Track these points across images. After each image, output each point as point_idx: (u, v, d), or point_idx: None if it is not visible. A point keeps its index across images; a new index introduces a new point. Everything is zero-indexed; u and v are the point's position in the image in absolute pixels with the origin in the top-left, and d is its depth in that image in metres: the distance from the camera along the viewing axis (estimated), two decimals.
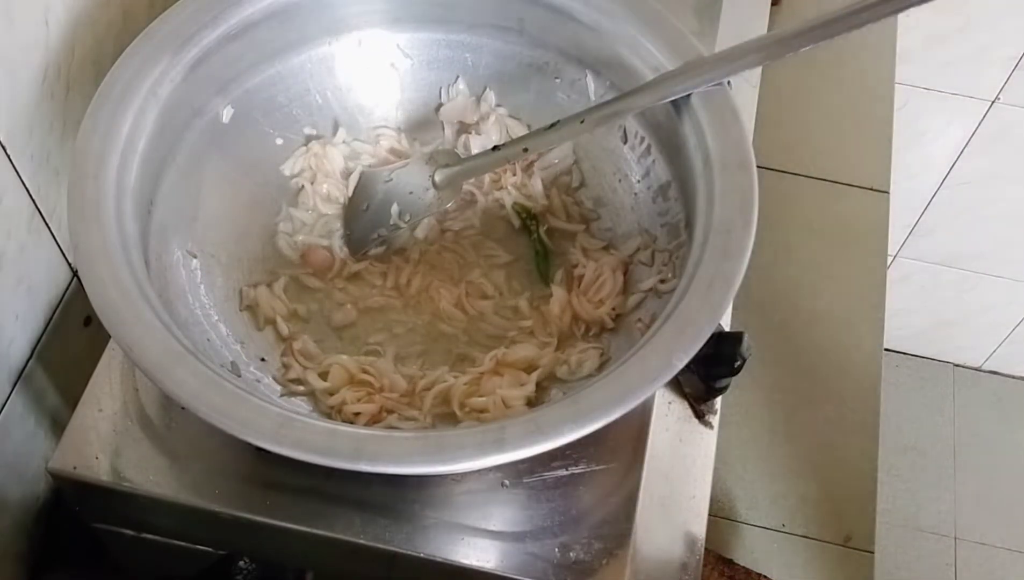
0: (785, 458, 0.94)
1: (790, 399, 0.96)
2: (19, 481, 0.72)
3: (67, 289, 0.74)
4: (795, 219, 1.04)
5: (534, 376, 0.65)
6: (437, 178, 0.72)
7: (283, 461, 0.52)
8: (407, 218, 0.73)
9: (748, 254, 0.59)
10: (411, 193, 0.73)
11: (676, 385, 0.70)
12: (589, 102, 0.73)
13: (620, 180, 0.73)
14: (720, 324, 0.60)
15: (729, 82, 0.65)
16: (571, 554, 0.60)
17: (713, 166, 0.63)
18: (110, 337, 0.59)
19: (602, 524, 0.62)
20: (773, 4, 0.97)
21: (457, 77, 0.76)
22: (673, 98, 0.65)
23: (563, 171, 0.76)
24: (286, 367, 0.67)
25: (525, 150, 0.69)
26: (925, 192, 1.60)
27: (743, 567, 0.88)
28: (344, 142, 0.76)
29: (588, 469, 0.63)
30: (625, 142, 0.73)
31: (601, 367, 0.66)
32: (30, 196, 0.67)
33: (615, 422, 0.53)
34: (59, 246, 0.72)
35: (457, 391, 0.65)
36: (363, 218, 0.73)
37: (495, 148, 0.71)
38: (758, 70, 0.89)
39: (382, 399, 0.65)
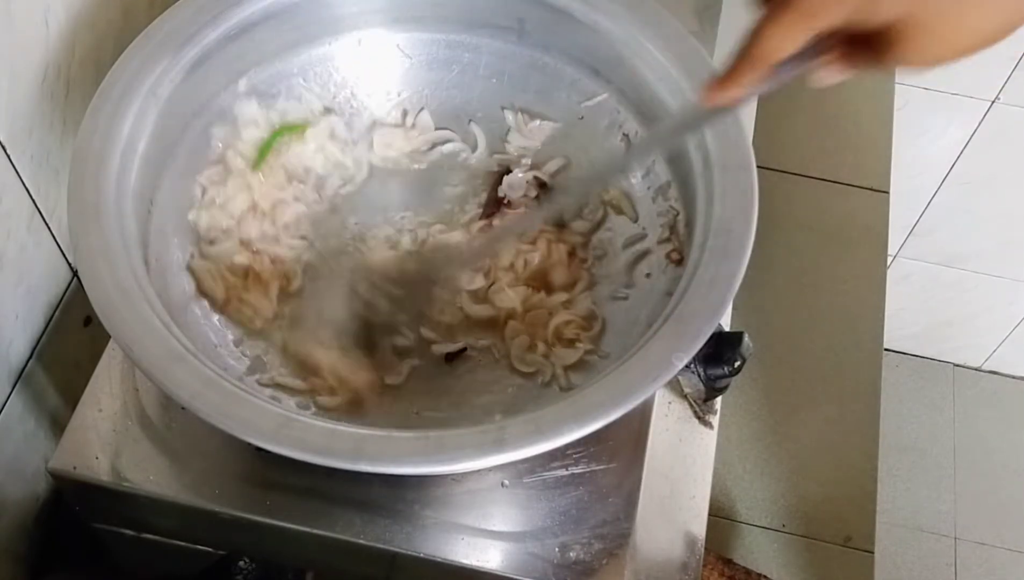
0: (785, 458, 0.94)
1: (790, 399, 0.96)
2: (19, 481, 0.72)
3: (67, 289, 0.74)
4: (795, 219, 1.04)
5: None
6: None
7: (283, 461, 0.52)
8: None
9: (748, 254, 0.59)
10: None
11: (676, 385, 0.70)
12: (589, 102, 0.73)
13: (620, 180, 0.73)
14: (720, 324, 0.60)
15: None
16: (571, 554, 0.60)
17: (713, 166, 0.63)
18: (110, 337, 0.59)
19: (602, 524, 0.62)
20: None
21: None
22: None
23: (555, 171, 0.76)
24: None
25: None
26: (925, 192, 1.60)
27: (743, 567, 0.88)
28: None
29: (588, 469, 0.63)
30: (624, 142, 0.73)
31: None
32: (30, 196, 0.67)
33: (615, 422, 0.53)
34: (59, 246, 0.72)
35: None
36: None
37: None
38: None
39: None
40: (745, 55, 0.48)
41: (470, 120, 0.77)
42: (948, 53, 0.46)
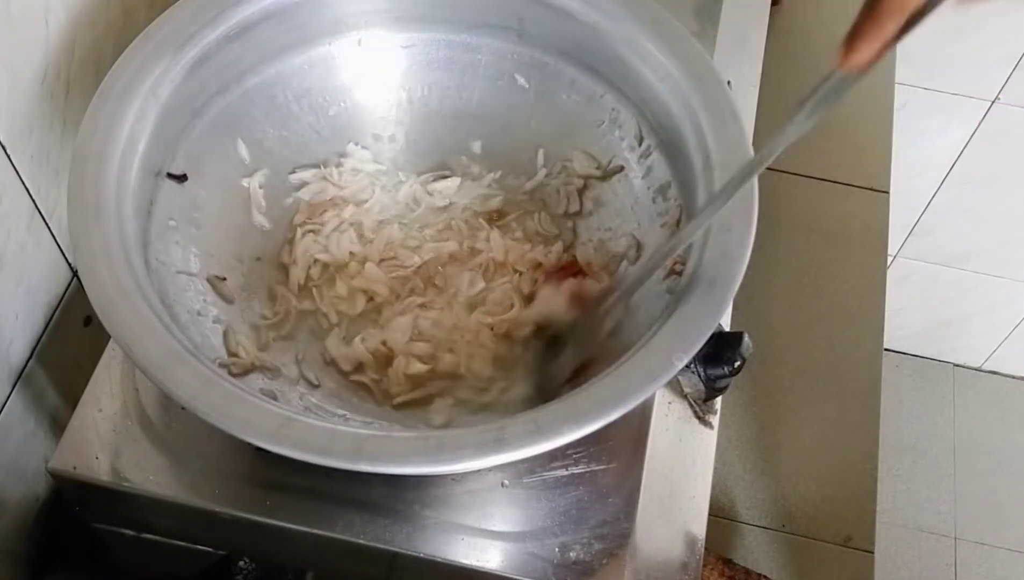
0: (785, 458, 0.94)
1: (790, 399, 0.96)
2: (19, 481, 0.72)
3: (67, 289, 0.74)
4: (795, 219, 1.04)
5: None
6: None
7: (283, 461, 0.52)
8: None
9: (748, 254, 0.59)
10: None
11: (676, 385, 0.70)
12: (589, 102, 0.73)
13: (620, 180, 0.73)
14: (720, 324, 0.60)
15: (729, 82, 0.65)
16: (571, 554, 0.60)
17: (713, 166, 0.63)
18: (110, 337, 0.59)
19: (602, 524, 0.62)
20: (773, 4, 0.97)
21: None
22: None
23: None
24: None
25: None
26: (925, 192, 1.60)
27: (743, 567, 0.88)
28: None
29: (588, 469, 0.63)
30: (624, 142, 0.73)
31: None
32: (30, 196, 0.67)
33: (615, 422, 0.53)
34: (59, 246, 0.72)
35: None
36: None
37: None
38: (758, 69, 0.89)
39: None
40: (880, 6, 0.42)
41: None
42: None
